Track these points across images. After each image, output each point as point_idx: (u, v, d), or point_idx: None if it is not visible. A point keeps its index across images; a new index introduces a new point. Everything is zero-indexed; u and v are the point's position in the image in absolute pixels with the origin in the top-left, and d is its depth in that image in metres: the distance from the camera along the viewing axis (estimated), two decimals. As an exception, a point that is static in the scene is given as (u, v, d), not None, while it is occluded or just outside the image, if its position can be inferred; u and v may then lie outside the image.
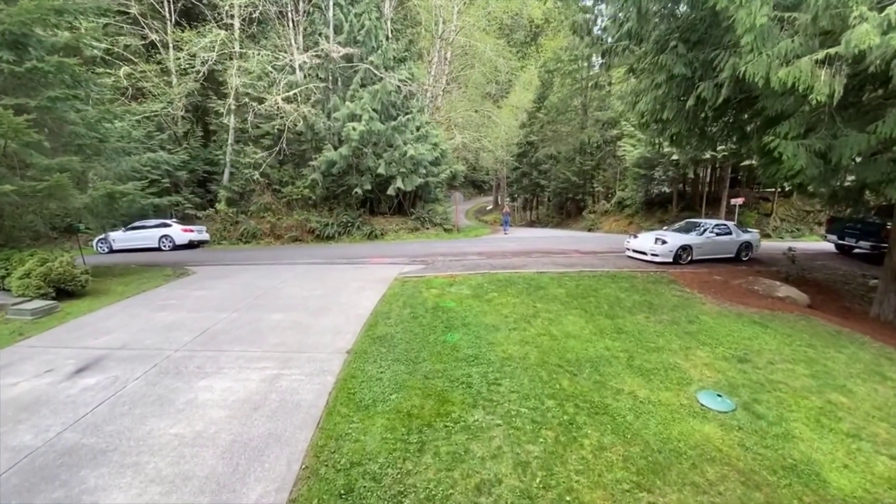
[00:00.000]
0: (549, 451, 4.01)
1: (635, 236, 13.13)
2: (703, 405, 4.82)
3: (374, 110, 19.24)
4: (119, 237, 17.49)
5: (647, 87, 9.24)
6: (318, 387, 5.22)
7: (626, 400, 4.91)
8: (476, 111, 30.90)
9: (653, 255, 11.95)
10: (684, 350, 6.24)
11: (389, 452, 3.98)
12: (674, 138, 11.73)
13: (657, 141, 14.66)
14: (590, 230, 29.07)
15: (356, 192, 20.48)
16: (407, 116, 20.54)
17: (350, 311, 8.03)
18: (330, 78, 21.16)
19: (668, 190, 27.45)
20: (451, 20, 27.62)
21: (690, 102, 7.83)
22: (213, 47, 18.13)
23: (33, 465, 3.79)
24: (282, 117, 19.06)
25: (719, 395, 4.94)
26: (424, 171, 20.93)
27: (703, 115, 9.32)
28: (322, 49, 19.33)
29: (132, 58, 18.55)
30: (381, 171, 19.56)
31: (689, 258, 12.03)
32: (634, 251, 12.71)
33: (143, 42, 19.21)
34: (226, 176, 21.77)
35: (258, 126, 21.23)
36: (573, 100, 35.77)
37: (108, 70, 16.85)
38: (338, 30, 20.52)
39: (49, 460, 3.85)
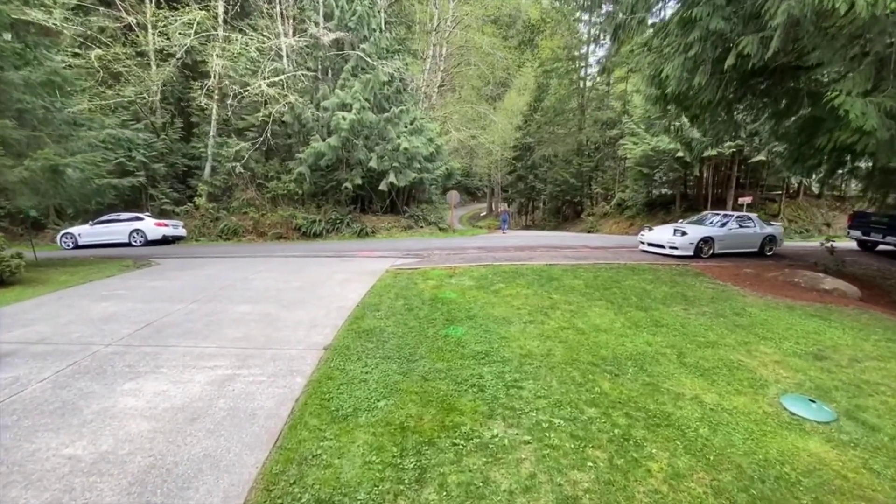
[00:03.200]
0: (605, 481, 2.79)
1: (650, 229, 12.06)
2: (793, 413, 3.63)
3: (365, 100, 18.10)
4: (85, 232, 16.01)
5: (674, 50, 8.20)
6: (281, 391, 3.95)
7: (691, 407, 3.71)
8: (472, 107, 29.93)
9: (671, 247, 10.85)
10: (743, 345, 5.07)
11: (375, 484, 2.74)
12: (696, 118, 10.73)
13: (673, 126, 13.69)
14: (589, 233, 28.07)
15: (346, 188, 19.23)
16: (400, 108, 19.44)
17: (331, 303, 6.78)
18: (319, 67, 20.04)
19: (669, 191, 26.61)
20: (447, 12, 26.73)
21: (730, 61, 6.76)
22: (192, 27, 16.86)
23: None
24: (267, 105, 17.82)
25: (812, 401, 3.76)
26: (419, 167, 19.78)
27: (733, 86, 8.31)
28: (311, 34, 18.21)
29: (106, 41, 17.24)
30: (372, 164, 18.36)
31: (711, 251, 10.94)
32: (650, 245, 11.61)
33: (120, 25, 17.91)
34: (207, 170, 20.41)
35: (242, 118, 19.99)
36: (570, 101, 35.06)
37: (77, 51, 15.53)
38: (328, 17, 19.44)
39: None
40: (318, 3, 19.28)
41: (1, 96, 7.48)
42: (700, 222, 12.00)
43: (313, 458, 3.01)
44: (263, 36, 18.28)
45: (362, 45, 19.20)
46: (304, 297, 7.20)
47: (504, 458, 3.02)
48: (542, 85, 38.09)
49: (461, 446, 3.14)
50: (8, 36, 8.07)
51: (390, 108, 19.57)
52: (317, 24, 18.67)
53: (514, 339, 5.17)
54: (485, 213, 56.27)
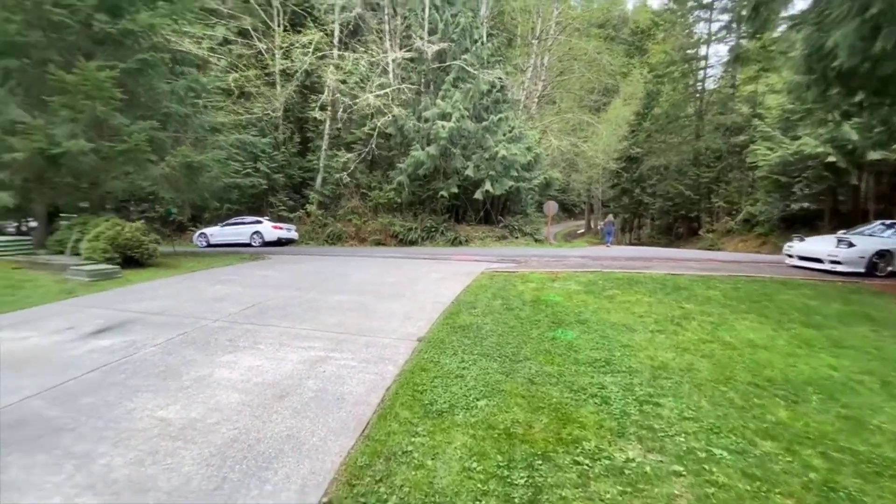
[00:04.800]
0: (816, 549, 1.86)
1: (801, 239, 9.96)
2: None
3: (465, 109, 18.13)
4: (216, 232, 18.11)
5: (843, 15, 6.63)
6: (372, 378, 3.59)
7: (930, 457, 2.53)
8: (573, 115, 28.61)
9: (832, 262, 8.75)
10: None
11: (476, 498, 2.15)
12: (862, 107, 8.70)
13: (830, 118, 11.40)
14: (710, 250, 24.76)
15: (442, 196, 19.33)
16: (499, 116, 19.14)
17: (426, 298, 6.44)
18: (422, 80, 20.66)
19: (813, 205, 22.41)
20: (550, 18, 26.11)
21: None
22: (311, 47, 18.54)
23: (-42, 437, 2.59)
24: (373, 118, 18.75)
25: None
26: (516, 175, 19.19)
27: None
28: (416, 48, 18.88)
29: (242, 66, 19.73)
30: (469, 172, 18.22)
31: (889, 268, 8.62)
32: (801, 258, 9.54)
33: (253, 51, 20.41)
34: (318, 180, 22.08)
35: (351, 131, 21.31)
36: (686, 107, 31.87)
37: (218, 75, 17.87)
38: (432, 31, 20.06)
39: (-18, 432, 2.63)
40: (423, 18, 20.02)
41: (152, 103, 8.70)
42: (867, 233, 9.61)
43: (403, 454, 2.52)
44: (372, 52, 19.41)
45: (464, 56, 19.41)
46: (399, 291, 6.98)
47: (648, 491, 2.23)
48: (651, 92, 35.27)
49: (586, 467, 2.42)
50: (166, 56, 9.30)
51: (489, 117, 19.38)
52: (421, 38, 19.32)
53: (641, 349, 4.25)
54: (582, 231, 53.40)
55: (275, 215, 21.13)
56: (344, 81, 18.78)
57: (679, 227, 32.71)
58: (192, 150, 9.17)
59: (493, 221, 21.55)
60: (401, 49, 20.52)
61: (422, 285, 7.50)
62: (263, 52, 20.28)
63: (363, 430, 2.82)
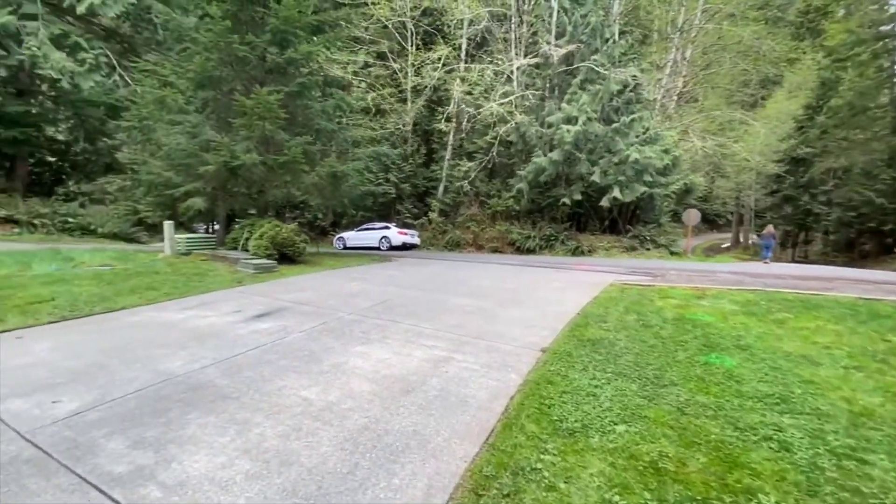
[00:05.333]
0: None
1: None
2: None
3: (592, 111, 17.16)
4: (351, 236, 20.08)
5: None
6: (495, 384, 3.45)
7: None
8: (721, 112, 25.05)
9: None
10: None
11: (623, 539, 1.84)
12: None
13: None
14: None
15: (563, 204, 18.51)
16: (632, 118, 17.66)
17: (547, 307, 6.12)
18: (546, 86, 20.18)
19: None
20: (695, 7, 23.40)
21: None
22: (440, 61, 19.50)
23: (158, 393, 3.14)
24: (495, 126, 18.91)
25: None
26: (649, 180, 17.45)
27: None
28: (541, 53, 18.54)
29: (378, 85, 21.68)
30: (595, 178, 17.13)
31: None
32: None
33: (388, 72, 22.30)
34: (440, 189, 23.04)
35: (473, 141, 21.79)
36: (877, 94, 25.70)
37: (360, 96, 19.86)
38: (559, 35, 19.49)
39: (173, 392, 3.16)
40: (550, 23, 19.60)
41: (306, 120, 10.03)
42: None
43: (532, 471, 2.31)
44: (497, 61, 19.63)
45: (593, 57, 18.42)
46: (519, 297, 6.76)
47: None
48: (827, 80, 29.20)
49: (766, 528, 1.92)
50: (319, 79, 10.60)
51: (619, 118, 18.03)
52: (548, 42, 18.90)
53: (831, 388, 3.38)
54: (727, 245, 46.39)
55: (400, 222, 22.60)
56: (469, 93, 19.32)
57: (865, 243, 26.35)
58: (336, 161, 10.31)
59: (621, 231, 19.91)
60: (526, 56, 20.38)
61: (543, 293, 7.17)
62: (397, 71, 21.97)
63: (487, 438, 2.69)
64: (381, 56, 22.24)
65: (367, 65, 21.58)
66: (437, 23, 21.48)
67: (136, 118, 11.17)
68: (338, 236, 20.64)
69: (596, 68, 18.21)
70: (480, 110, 18.50)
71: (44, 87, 17.15)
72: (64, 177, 20.00)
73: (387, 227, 19.60)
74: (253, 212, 11.94)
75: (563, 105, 18.29)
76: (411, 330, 4.79)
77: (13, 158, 17.06)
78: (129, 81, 16.41)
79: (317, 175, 9.84)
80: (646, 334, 4.77)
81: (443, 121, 19.95)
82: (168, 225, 9.69)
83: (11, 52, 13.56)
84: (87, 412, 2.81)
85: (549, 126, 18.37)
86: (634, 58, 21.91)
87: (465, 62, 20.75)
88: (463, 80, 19.52)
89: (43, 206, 15.95)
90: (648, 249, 18.42)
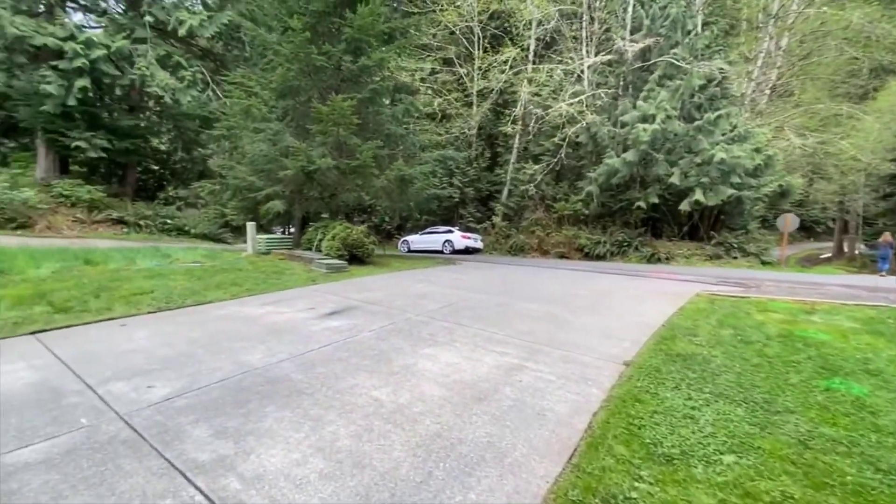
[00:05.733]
0: None
1: None
2: None
3: (672, 109, 15.98)
4: (416, 240, 20.40)
5: None
6: (574, 398, 3.17)
7: None
8: (823, 104, 22.23)
9: None
10: None
11: None
12: None
13: None
14: None
15: (638, 208, 17.40)
16: (717, 114, 16.19)
17: (625, 317, 5.67)
18: (620, 83, 19.18)
19: None
20: (795, -10, 21.08)
21: None
22: (507, 63, 19.27)
23: (239, 384, 3.24)
24: (563, 128, 18.30)
25: None
26: (738, 182, 15.85)
27: None
28: (615, 49, 17.65)
29: (444, 91, 21.91)
30: (674, 180, 15.90)
31: None
32: None
33: (454, 77, 22.48)
34: (504, 193, 22.73)
35: (539, 143, 21.26)
36: None
37: (427, 102, 20.18)
38: (635, 30, 18.46)
39: (252, 384, 3.25)
40: (625, 18, 18.64)
41: (376, 126, 10.31)
42: None
43: (626, 500, 2.04)
44: (567, 61, 19.01)
45: (673, 51, 17.19)
46: (593, 305, 6.35)
47: None
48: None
49: None
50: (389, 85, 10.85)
51: (702, 115, 16.62)
52: (623, 38, 17.97)
53: None
54: (828, 255, 41.14)
55: (464, 226, 22.59)
56: (536, 94, 18.89)
57: None
58: (404, 164, 10.50)
59: (703, 237, 18.32)
60: (597, 54, 19.54)
61: (619, 302, 6.68)
62: (463, 76, 22.06)
63: (570, 457, 2.44)
64: (447, 62, 22.48)
65: (433, 71, 21.92)
66: (505, 25, 21.30)
67: (225, 127, 12.19)
68: (402, 239, 21.08)
69: (676, 62, 17.00)
70: (548, 111, 18.00)
71: (150, 103, 19.28)
72: (165, 183, 22.34)
73: (450, 231, 19.66)
74: (325, 215, 12.51)
75: (639, 103, 17.26)
76: (480, 334, 4.62)
77: (125, 167, 19.34)
78: (220, 95, 18.00)
79: (385, 178, 10.07)
80: (747, 352, 4.21)
81: (509, 123, 19.69)
82: (251, 226, 10.38)
83: (125, 73, 15.39)
84: (176, 398, 2.95)
85: (623, 125, 17.42)
86: (720, 50, 20.16)
87: (533, 63, 20.33)
88: (530, 81, 19.14)
89: (147, 208, 17.90)
90: (735, 258, 16.76)
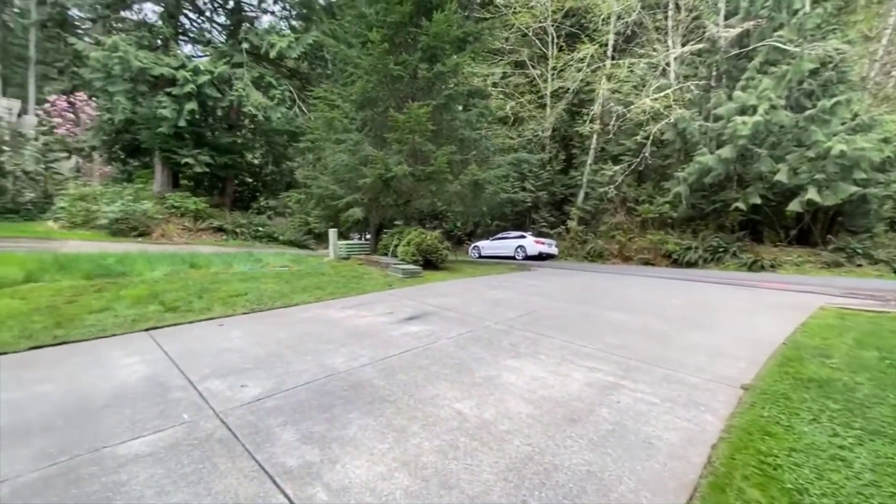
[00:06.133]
0: None
1: None
2: None
3: (777, 98, 14.19)
4: (487, 245, 20.18)
5: None
6: (685, 425, 2.77)
7: None
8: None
9: None
10: None
11: None
12: None
13: None
14: None
15: (735, 209, 15.64)
16: (833, 101, 14.08)
17: (737, 331, 4.99)
18: (713, 74, 17.49)
19: None
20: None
21: None
22: (585, 61, 18.45)
23: (323, 388, 3.25)
24: (647, 125, 17.08)
25: None
26: (863, 178, 13.62)
27: None
28: (707, 37, 16.13)
29: (517, 94, 21.57)
30: (780, 178, 14.05)
31: None
32: None
33: (527, 80, 22.07)
34: (580, 196, 21.75)
35: (619, 143, 20.08)
36: None
37: (500, 107, 19.98)
38: (730, 14, 16.75)
39: (336, 388, 3.24)
40: (718, 2, 16.99)
41: (450, 131, 10.33)
42: None
43: (774, 564, 1.65)
44: (650, 54, 17.75)
45: (777, 34, 15.31)
46: (695, 317, 5.69)
47: None
48: None
49: None
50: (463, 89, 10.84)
51: (815, 103, 14.56)
52: (716, 24, 16.39)
53: None
54: (984, 263, 34.04)
55: (536, 231, 21.95)
56: (616, 91, 17.86)
57: None
58: (477, 169, 10.40)
59: (816, 242, 15.99)
60: (684, 44, 18.06)
61: (725, 315, 5.92)
62: (536, 77, 21.56)
63: (689, 498, 2.07)
64: (518, 65, 22.12)
65: (504, 75, 21.69)
66: (581, 21, 20.50)
67: (310, 140, 12.98)
68: (473, 245, 20.97)
69: (781, 46, 15.13)
70: (630, 108, 16.90)
71: (245, 121, 21.20)
72: (257, 194, 24.42)
73: (522, 237, 19.18)
74: (399, 221, 12.79)
75: (736, 93, 15.61)
76: (566, 347, 4.29)
77: (224, 180, 21.41)
78: (305, 111, 19.29)
79: (459, 183, 10.03)
80: (905, 380, 3.44)
81: (586, 123, 18.80)
82: (332, 232, 10.88)
83: (225, 95, 17.08)
84: (266, 399, 3.01)
85: (717, 119, 15.87)
86: (834, 29, 17.64)
87: (612, 59, 19.29)
88: (609, 77, 18.16)
89: (242, 217, 19.65)
90: (860, 266, 14.41)
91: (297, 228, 20.57)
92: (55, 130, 21.90)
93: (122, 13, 19.32)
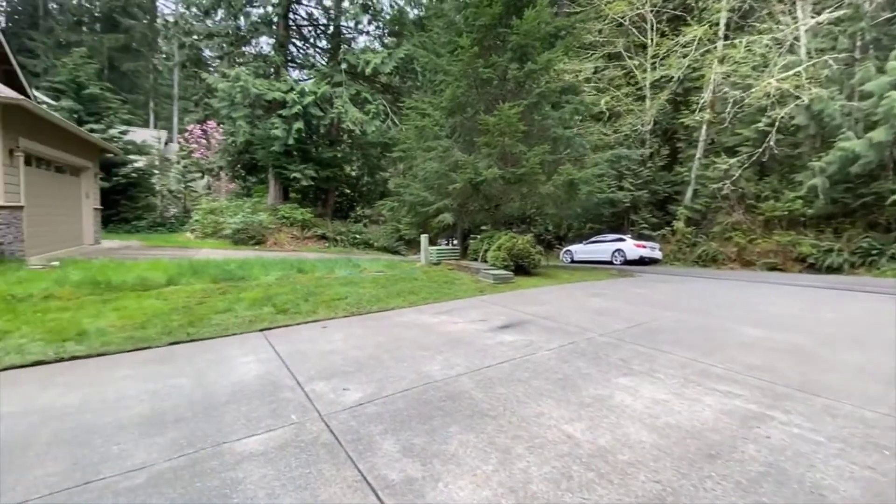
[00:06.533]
0: None
1: None
2: None
3: (954, 63, 11.46)
4: (579, 249, 19.14)
5: None
6: (869, 474, 2.18)
7: None
8: None
9: None
10: None
11: None
12: None
13: None
14: None
15: (893, 203, 12.88)
16: None
17: (922, 356, 3.93)
18: (858, 44, 14.71)
19: None
20: None
21: None
22: (692, 46, 16.64)
23: (421, 396, 3.16)
24: (770, 111, 14.87)
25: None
26: None
27: None
28: (849, 1, 13.60)
29: (612, 87, 20.25)
30: (961, 162, 11.29)
31: None
32: None
33: (623, 72, 20.60)
34: (688, 194, 19.64)
35: (735, 132, 17.78)
36: None
37: (594, 103, 18.92)
38: (882, -30, 13.99)
39: (434, 398, 3.13)
40: (864, -42, 14.28)
41: (542, 130, 9.92)
42: None
43: None
44: (775, 28, 15.44)
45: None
46: (854, 335, 4.69)
47: None
48: None
49: None
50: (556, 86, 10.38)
51: None
52: (862, -16, 13.78)
53: None
54: None
55: (635, 233, 20.31)
56: (730, 75, 15.83)
57: None
58: (572, 168, 9.85)
59: None
60: (819, 13, 15.46)
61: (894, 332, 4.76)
62: (634, 68, 20.05)
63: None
64: (613, 57, 20.77)
65: (597, 69, 20.51)
66: (686, 2, 18.63)
67: (402, 150, 13.47)
68: (565, 249, 20.05)
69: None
70: (749, 92, 14.86)
71: (344, 136, 22.77)
72: (354, 203, 26.09)
73: (621, 240, 17.86)
74: (486, 227, 12.65)
75: (890, 63, 12.94)
76: (689, 365, 3.73)
77: (326, 192, 23.19)
78: (397, 123, 20.14)
79: (552, 184, 9.56)
80: None
81: (696, 112, 16.94)
82: (424, 238, 11.08)
83: (326, 113, 18.53)
84: (366, 404, 3.00)
85: (865, 97, 13.29)
86: None
87: (725, 39, 17.19)
88: (722, 60, 16.17)
89: (342, 226, 21.13)
90: None
91: (390, 235, 21.51)
92: (192, 154, 25.70)
93: (243, 48, 22.03)
